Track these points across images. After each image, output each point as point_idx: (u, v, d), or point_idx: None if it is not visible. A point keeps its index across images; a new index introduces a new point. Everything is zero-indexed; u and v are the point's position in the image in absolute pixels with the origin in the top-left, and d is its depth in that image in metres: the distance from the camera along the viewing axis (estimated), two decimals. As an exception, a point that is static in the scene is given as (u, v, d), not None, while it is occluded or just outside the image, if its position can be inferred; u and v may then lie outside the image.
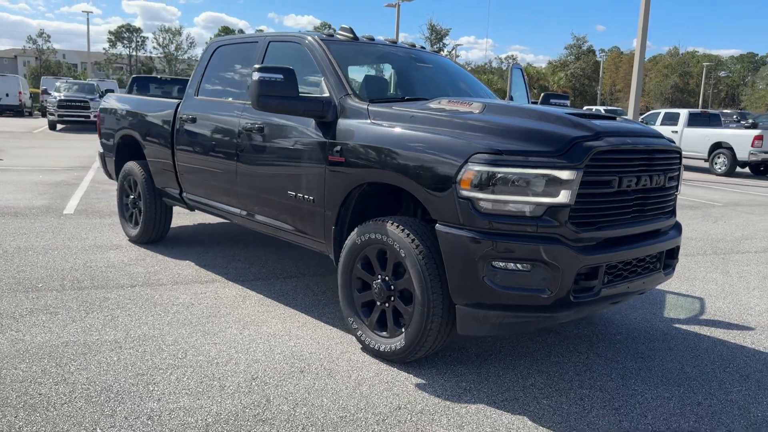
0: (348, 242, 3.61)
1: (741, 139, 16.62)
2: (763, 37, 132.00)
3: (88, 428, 2.64)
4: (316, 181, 3.81)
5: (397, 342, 3.34)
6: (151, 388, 3.04)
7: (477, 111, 3.40)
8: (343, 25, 4.51)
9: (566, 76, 59.64)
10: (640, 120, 21.74)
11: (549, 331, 4.04)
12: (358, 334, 3.59)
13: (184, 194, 5.31)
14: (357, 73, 4.52)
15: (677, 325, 4.32)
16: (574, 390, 3.23)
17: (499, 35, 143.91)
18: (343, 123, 3.70)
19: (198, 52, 76.73)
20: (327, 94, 3.89)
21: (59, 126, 22.85)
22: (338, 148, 3.64)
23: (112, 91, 16.12)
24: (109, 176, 6.74)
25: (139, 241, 5.95)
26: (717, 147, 17.27)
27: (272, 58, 4.48)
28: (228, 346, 3.62)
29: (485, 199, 2.95)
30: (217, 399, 2.96)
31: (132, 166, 5.89)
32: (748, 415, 3.06)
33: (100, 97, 19.64)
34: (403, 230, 3.27)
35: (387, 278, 3.42)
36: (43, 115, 28.41)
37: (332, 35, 4.42)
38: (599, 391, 3.24)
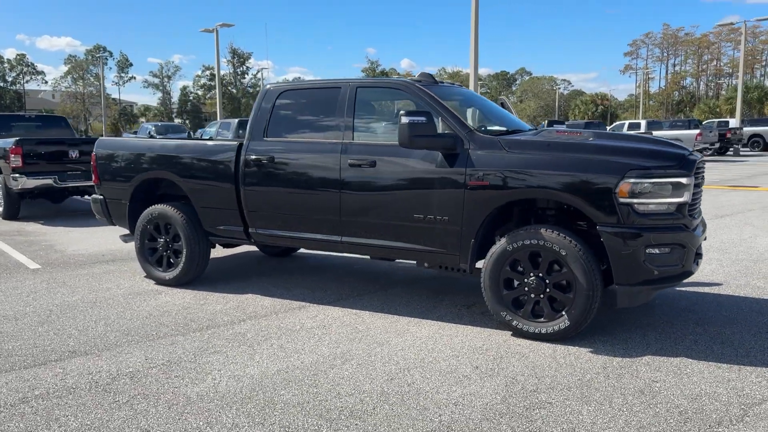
0: (497, 250, 4.39)
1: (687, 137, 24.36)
2: (509, 57, 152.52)
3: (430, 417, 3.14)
4: (452, 203, 4.52)
5: (561, 323, 4.22)
6: (419, 385, 3.55)
7: (592, 139, 4.45)
8: (424, 72, 5.25)
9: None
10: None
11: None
12: (513, 324, 4.38)
13: (252, 230, 5.54)
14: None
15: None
16: (687, 345, 4.40)
17: (279, 58, 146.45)
18: (479, 153, 4.46)
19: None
20: (449, 131, 4.61)
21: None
22: (480, 174, 4.40)
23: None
24: (110, 222, 6.51)
25: (177, 282, 5.94)
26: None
27: (365, 103, 5.08)
28: (416, 348, 4.17)
29: (639, 203, 3.99)
30: (478, 383, 3.58)
31: (164, 209, 5.88)
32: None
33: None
34: (559, 234, 4.17)
35: (541, 275, 4.28)
36: None
37: (420, 80, 5.13)
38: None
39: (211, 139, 10.47)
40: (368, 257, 5.56)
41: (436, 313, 5.03)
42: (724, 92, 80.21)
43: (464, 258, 4.62)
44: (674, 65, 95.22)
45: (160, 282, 6.04)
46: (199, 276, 6.11)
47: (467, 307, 5.21)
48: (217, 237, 5.88)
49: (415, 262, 5.06)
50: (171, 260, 6.00)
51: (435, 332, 4.56)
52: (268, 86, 5.64)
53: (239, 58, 56.03)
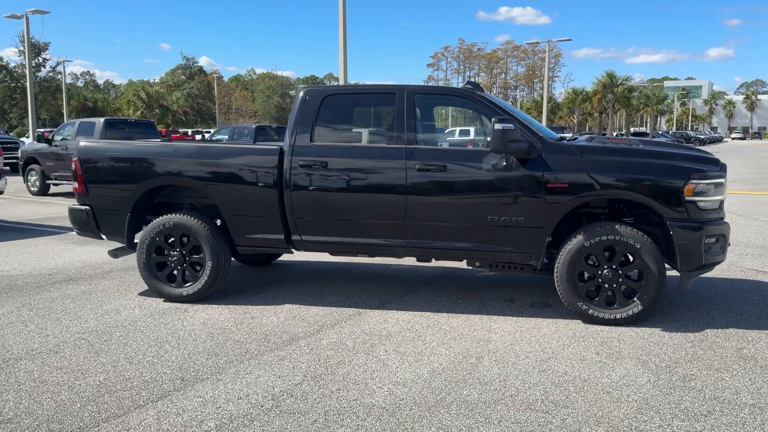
0: (573, 246, 4.84)
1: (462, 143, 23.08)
2: (326, 60, 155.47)
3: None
4: (529, 205, 4.86)
5: (634, 308, 4.79)
6: (573, 372, 3.85)
7: (642, 146, 5.11)
8: (471, 80, 5.49)
9: (183, 96, 60.23)
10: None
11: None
12: (589, 312, 4.86)
13: (296, 237, 5.33)
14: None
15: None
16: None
17: (57, 49, 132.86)
18: (555, 158, 4.86)
19: None
20: (523, 137, 4.95)
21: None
22: (559, 177, 4.81)
23: None
24: (96, 235, 5.75)
25: (197, 298, 5.48)
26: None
27: (423, 109, 5.20)
28: (523, 341, 4.45)
29: (700, 200, 4.71)
30: (620, 367, 3.99)
31: (182, 219, 5.40)
32: None
33: None
34: (633, 230, 4.75)
35: (614, 266, 4.82)
36: None
37: (473, 89, 5.37)
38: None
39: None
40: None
41: (490, 309, 5.32)
42: (519, 104, 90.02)
43: (536, 255, 4.99)
44: (470, 77, 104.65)
45: (172, 299, 5.51)
46: (218, 289, 5.69)
47: (510, 301, 5.57)
48: (247, 247, 5.55)
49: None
50: (186, 275, 5.51)
51: (517, 326, 4.87)
52: (305, 89, 5.46)
53: (34, 48, 49.66)
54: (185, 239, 5.47)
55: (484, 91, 5.53)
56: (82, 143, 5.77)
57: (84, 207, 5.68)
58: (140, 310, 5.30)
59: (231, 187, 5.34)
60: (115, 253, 5.86)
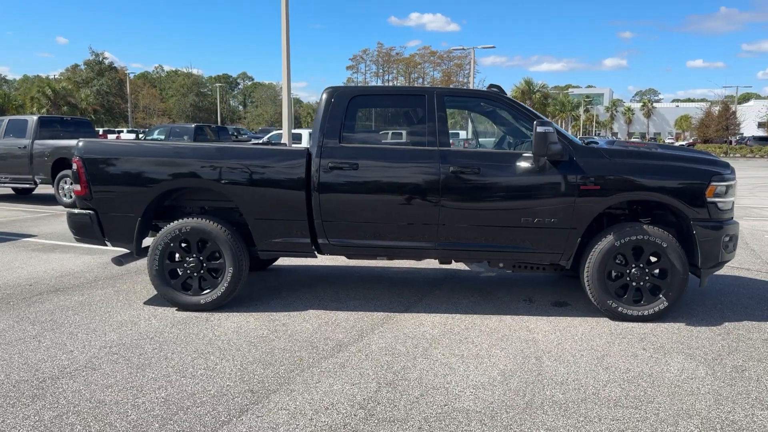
0: (604, 245, 5.00)
1: None
2: (237, 60, 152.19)
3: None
4: (563, 207, 4.98)
5: (660, 305, 5.02)
6: (639, 368, 3.98)
7: (660, 150, 5.35)
8: (494, 83, 5.54)
9: (93, 94, 57.03)
10: (267, 140, 24.23)
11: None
12: (618, 310, 5.04)
13: (323, 240, 5.19)
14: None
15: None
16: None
17: None
18: (587, 161, 4.99)
19: None
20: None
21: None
22: (592, 179, 4.96)
23: None
24: (100, 241, 5.36)
25: (215, 306, 5.22)
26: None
27: (452, 111, 5.18)
28: (573, 339, 4.55)
29: (719, 201, 5.00)
30: (676, 362, 4.16)
31: (201, 223, 5.13)
32: None
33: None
34: (660, 230, 4.98)
35: (642, 265, 5.03)
36: None
37: (496, 92, 5.43)
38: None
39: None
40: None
41: (516, 309, 5.40)
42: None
43: (567, 256, 5.12)
44: (388, 81, 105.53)
45: (187, 308, 5.22)
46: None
47: (529, 301, 5.68)
48: (269, 252, 5.34)
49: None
50: (201, 283, 5.24)
51: (552, 326, 4.96)
52: (332, 89, 5.31)
53: None
54: (203, 244, 5.20)
55: (506, 94, 5.61)
56: (84, 142, 5.34)
57: (87, 211, 5.27)
58: (158, 320, 4.98)
59: (256, 189, 5.12)
60: (120, 261, 5.47)
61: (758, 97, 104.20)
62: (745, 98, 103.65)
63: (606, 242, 5.01)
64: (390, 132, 5.39)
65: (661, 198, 5.01)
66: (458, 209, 5.06)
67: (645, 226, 4.99)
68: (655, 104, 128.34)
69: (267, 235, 5.22)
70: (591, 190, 4.98)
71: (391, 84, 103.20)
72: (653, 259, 5.09)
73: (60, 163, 12.96)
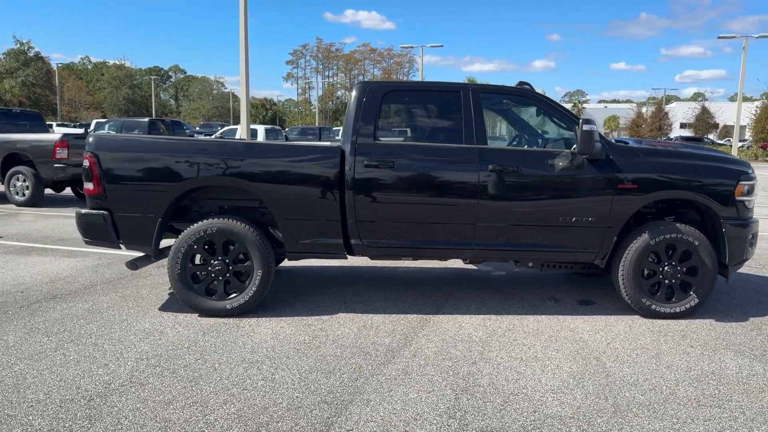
0: (639, 244, 5.03)
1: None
2: (165, 51, 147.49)
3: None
4: (600, 205, 4.98)
5: (691, 301, 5.10)
6: (702, 367, 4.02)
7: (684, 149, 5.44)
8: (522, 81, 5.48)
9: (18, 85, 53.82)
10: (219, 135, 23.59)
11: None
12: (652, 307, 5.09)
13: (357, 241, 5.00)
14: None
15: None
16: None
17: None
18: (624, 160, 5.00)
19: None
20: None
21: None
22: (629, 177, 4.98)
23: None
24: (115, 244, 4.97)
25: (242, 311, 4.94)
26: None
27: (487, 108, 5.11)
28: (621, 339, 4.55)
29: (746, 200, 5.13)
30: (730, 360, 4.22)
31: (228, 224, 4.84)
32: None
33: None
34: (692, 228, 5.06)
35: (673, 263, 5.10)
36: None
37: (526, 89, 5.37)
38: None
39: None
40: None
41: (545, 309, 5.37)
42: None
43: (602, 254, 5.13)
44: (328, 77, 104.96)
45: (211, 314, 4.92)
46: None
47: (554, 300, 5.67)
48: (299, 253, 5.10)
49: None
50: (226, 287, 4.95)
51: (590, 325, 4.96)
52: (364, 84, 5.12)
53: None
54: (229, 246, 4.90)
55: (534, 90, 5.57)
56: (97, 136, 4.93)
57: (100, 212, 4.87)
58: (184, 328, 4.66)
59: (287, 188, 4.87)
60: (134, 264, 5.09)
61: (678, 99, 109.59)
62: (668, 100, 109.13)
63: (641, 241, 5.05)
64: (426, 129, 5.23)
65: (694, 197, 5.08)
66: (496, 208, 4.97)
67: (678, 225, 5.06)
68: (584, 105, 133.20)
69: (298, 237, 4.97)
70: (628, 189, 4.99)
71: (331, 81, 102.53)
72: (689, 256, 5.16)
73: (11, 158, 12.10)
